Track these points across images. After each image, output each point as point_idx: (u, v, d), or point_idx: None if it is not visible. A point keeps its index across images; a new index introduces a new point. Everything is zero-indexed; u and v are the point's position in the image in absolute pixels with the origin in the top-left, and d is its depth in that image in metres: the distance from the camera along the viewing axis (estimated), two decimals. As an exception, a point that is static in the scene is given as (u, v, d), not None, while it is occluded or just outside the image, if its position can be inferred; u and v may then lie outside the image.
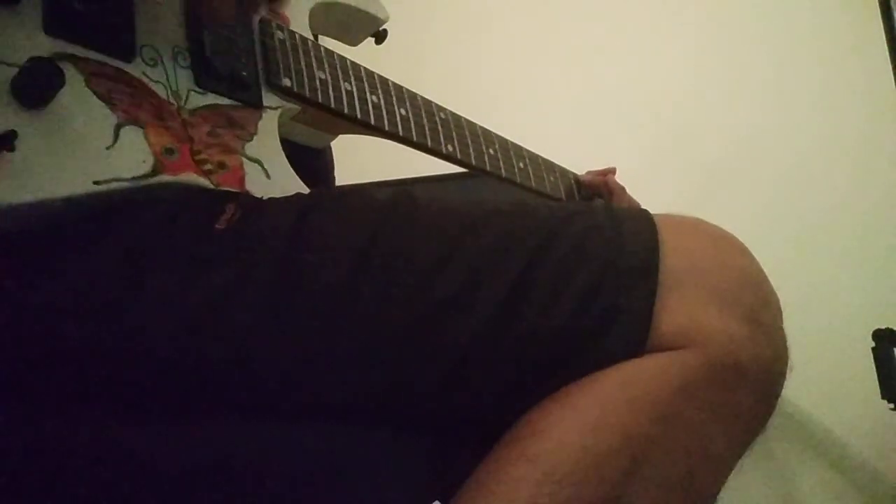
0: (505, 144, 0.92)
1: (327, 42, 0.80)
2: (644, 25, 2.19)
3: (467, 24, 2.31)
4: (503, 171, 0.89)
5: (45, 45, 0.51)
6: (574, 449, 0.48)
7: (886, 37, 1.47)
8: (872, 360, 1.50)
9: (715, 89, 2.06)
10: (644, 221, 0.56)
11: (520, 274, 0.52)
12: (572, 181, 1.03)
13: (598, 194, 1.06)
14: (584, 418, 0.49)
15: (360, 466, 0.52)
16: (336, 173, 0.97)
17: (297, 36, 0.70)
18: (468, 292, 0.51)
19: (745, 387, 0.51)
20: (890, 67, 1.45)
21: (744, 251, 0.57)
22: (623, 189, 1.06)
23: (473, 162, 0.85)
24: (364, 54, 0.85)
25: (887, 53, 1.46)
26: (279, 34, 0.68)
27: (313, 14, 0.76)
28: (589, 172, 1.08)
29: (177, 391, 0.49)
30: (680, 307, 0.51)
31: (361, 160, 1.37)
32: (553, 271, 0.52)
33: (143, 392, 0.49)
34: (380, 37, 0.87)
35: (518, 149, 0.95)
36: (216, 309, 0.49)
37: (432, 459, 0.55)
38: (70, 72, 0.51)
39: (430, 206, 0.57)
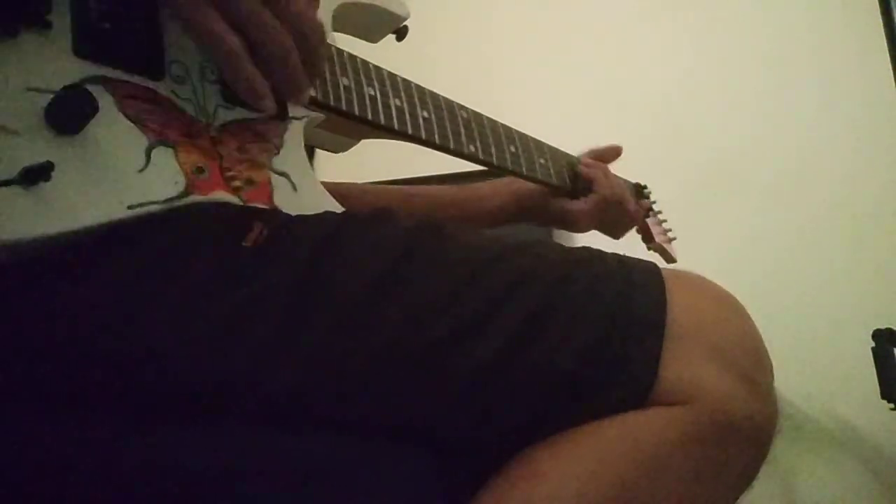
0: (525, 140, 0.93)
1: (347, 40, 0.79)
2: (644, 24, 2.19)
3: (468, 21, 2.30)
4: (524, 168, 0.90)
5: (75, 69, 0.51)
6: (570, 495, 0.49)
7: (886, 36, 1.47)
8: (872, 360, 1.52)
9: (715, 89, 2.07)
10: (652, 274, 0.58)
11: (533, 312, 0.53)
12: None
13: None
14: (582, 466, 0.51)
15: (365, 478, 0.52)
16: (340, 174, 0.95)
17: (320, 42, 0.69)
18: (481, 324, 0.52)
19: (737, 444, 0.53)
20: (890, 66, 1.45)
21: (743, 312, 0.59)
22: (610, 172, 1.05)
23: (495, 161, 0.86)
24: (370, 48, 0.84)
25: (887, 52, 1.46)
26: (302, 42, 0.67)
27: (336, 16, 0.75)
28: (594, 151, 1.06)
29: (192, 400, 0.50)
30: (683, 362, 0.53)
31: (363, 160, 1.36)
32: (565, 313, 0.54)
33: (160, 400, 0.49)
34: (401, 33, 0.86)
35: (539, 144, 0.95)
36: (236, 323, 0.49)
37: (436, 476, 0.55)
38: (101, 95, 0.50)
39: (455, 237, 0.58)
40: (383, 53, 0.83)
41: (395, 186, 1.03)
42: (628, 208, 1.04)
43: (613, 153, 1.08)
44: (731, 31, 2.11)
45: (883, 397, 1.49)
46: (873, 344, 1.53)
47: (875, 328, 1.53)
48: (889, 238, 1.84)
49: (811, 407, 1.75)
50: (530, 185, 0.98)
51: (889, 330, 1.52)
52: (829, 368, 1.74)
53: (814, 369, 1.69)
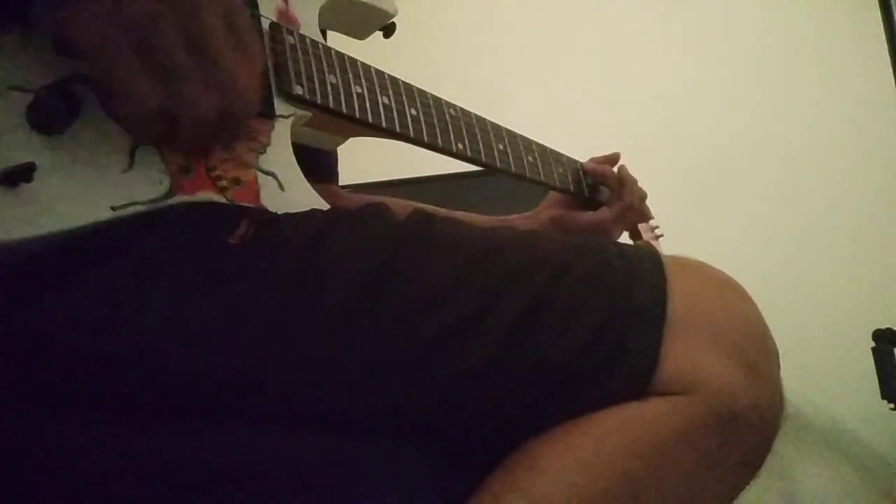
0: (514, 139, 0.92)
1: (334, 36, 0.79)
2: (644, 23, 2.19)
3: (469, 21, 2.30)
4: (512, 166, 0.90)
5: (59, 67, 0.50)
6: (568, 487, 0.49)
7: (886, 34, 1.47)
8: (872, 360, 1.52)
9: (715, 88, 2.07)
10: (653, 262, 0.57)
11: (531, 304, 0.52)
12: (579, 170, 1.02)
13: (603, 183, 1.04)
14: (580, 457, 0.50)
15: (363, 477, 0.52)
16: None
17: (307, 40, 0.69)
18: (479, 317, 0.52)
19: (740, 436, 0.52)
20: (890, 66, 1.44)
21: (746, 298, 0.58)
22: (635, 181, 1.04)
23: (483, 159, 0.85)
24: (367, 46, 0.84)
25: (887, 51, 1.46)
26: (289, 39, 0.67)
27: (323, 12, 0.74)
28: (592, 159, 1.06)
29: (184, 400, 0.49)
30: (684, 352, 0.52)
31: (362, 160, 1.36)
32: (564, 305, 0.53)
33: (153, 400, 0.49)
34: (388, 30, 0.86)
35: (527, 142, 0.94)
36: (226, 322, 0.49)
37: (434, 473, 0.55)
38: (84, 94, 0.50)
39: (447, 230, 0.58)
40: (370, 50, 0.82)
41: (419, 206, 1.02)
42: (646, 214, 1.05)
43: (613, 160, 1.08)
44: (730, 31, 2.11)
45: (883, 397, 1.49)
46: (873, 344, 1.53)
47: (875, 328, 1.54)
48: (889, 238, 1.84)
49: (811, 407, 1.75)
50: (556, 211, 0.99)
51: (889, 330, 1.53)
52: (829, 368, 1.74)
53: (814, 369, 1.68)
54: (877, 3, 1.44)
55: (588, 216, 0.98)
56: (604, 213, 0.98)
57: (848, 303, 1.81)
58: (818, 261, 1.87)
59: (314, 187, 0.64)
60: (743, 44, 2.09)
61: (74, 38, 0.45)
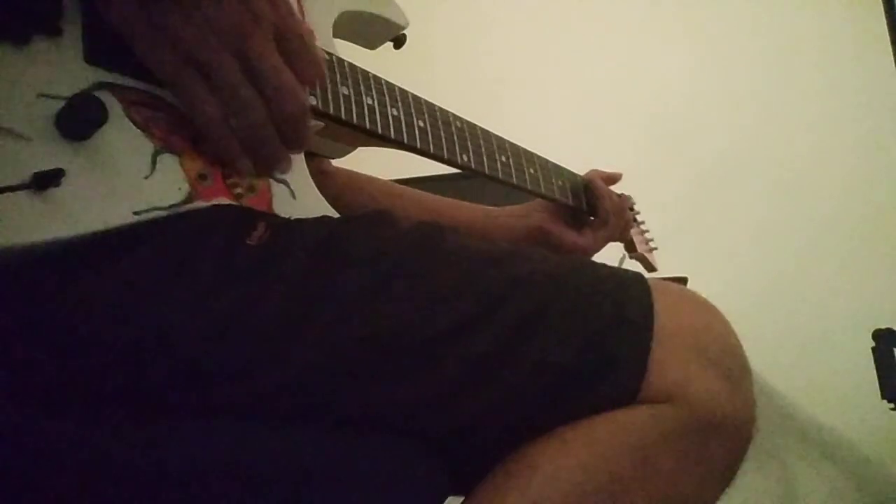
0: (517, 151, 0.95)
1: (346, 46, 0.80)
2: (646, 24, 2.19)
3: (469, 23, 2.30)
4: (514, 178, 0.93)
5: (85, 75, 0.52)
6: (563, 484, 0.53)
7: (889, 36, 1.47)
8: (872, 360, 1.52)
9: (717, 89, 2.08)
10: (640, 282, 0.62)
11: (530, 311, 0.56)
12: (579, 183, 1.05)
13: (598, 202, 1.06)
14: (575, 460, 0.54)
15: (364, 473, 0.54)
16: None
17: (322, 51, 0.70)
18: (480, 321, 0.55)
19: (718, 440, 0.58)
20: (893, 66, 1.45)
21: (722, 318, 0.63)
22: (623, 209, 1.09)
23: (487, 171, 0.88)
24: (367, 52, 0.86)
25: (890, 52, 1.46)
26: (303, 50, 0.68)
27: (337, 24, 0.77)
28: (593, 171, 1.09)
29: (194, 393, 0.51)
30: (669, 363, 0.57)
31: (363, 160, 1.37)
32: (560, 313, 0.56)
33: (163, 393, 0.51)
34: (399, 41, 0.89)
35: (529, 155, 0.97)
36: (240, 318, 0.51)
37: (432, 473, 0.57)
38: (110, 102, 0.52)
39: (453, 239, 0.61)
40: (371, 55, 0.84)
41: (418, 193, 1.05)
42: (627, 239, 1.12)
43: (615, 179, 1.12)
44: (732, 32, 2.12)
45: (883, 397, 1.49)
46: (873, 344, 1.53)
47: (875, 328, 1.54)
48: (889, 238, 1.84)
49: (811, 407, 1.75)
50: (546, 217, 1.03)
51: (889, 330, 1.52)
52: (829, 368, 1.74)
53: (814, 369, 1.69)
54: (881, 7, 1.45)
55: (572, 238, 1.03)
56: (588, 239, 1.04)
57: (848, 303, 1.82)
58: (818, 261, 1.88)
59: (310, 166, 0.66)
60: (746, 48, 2.09)
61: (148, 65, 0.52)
